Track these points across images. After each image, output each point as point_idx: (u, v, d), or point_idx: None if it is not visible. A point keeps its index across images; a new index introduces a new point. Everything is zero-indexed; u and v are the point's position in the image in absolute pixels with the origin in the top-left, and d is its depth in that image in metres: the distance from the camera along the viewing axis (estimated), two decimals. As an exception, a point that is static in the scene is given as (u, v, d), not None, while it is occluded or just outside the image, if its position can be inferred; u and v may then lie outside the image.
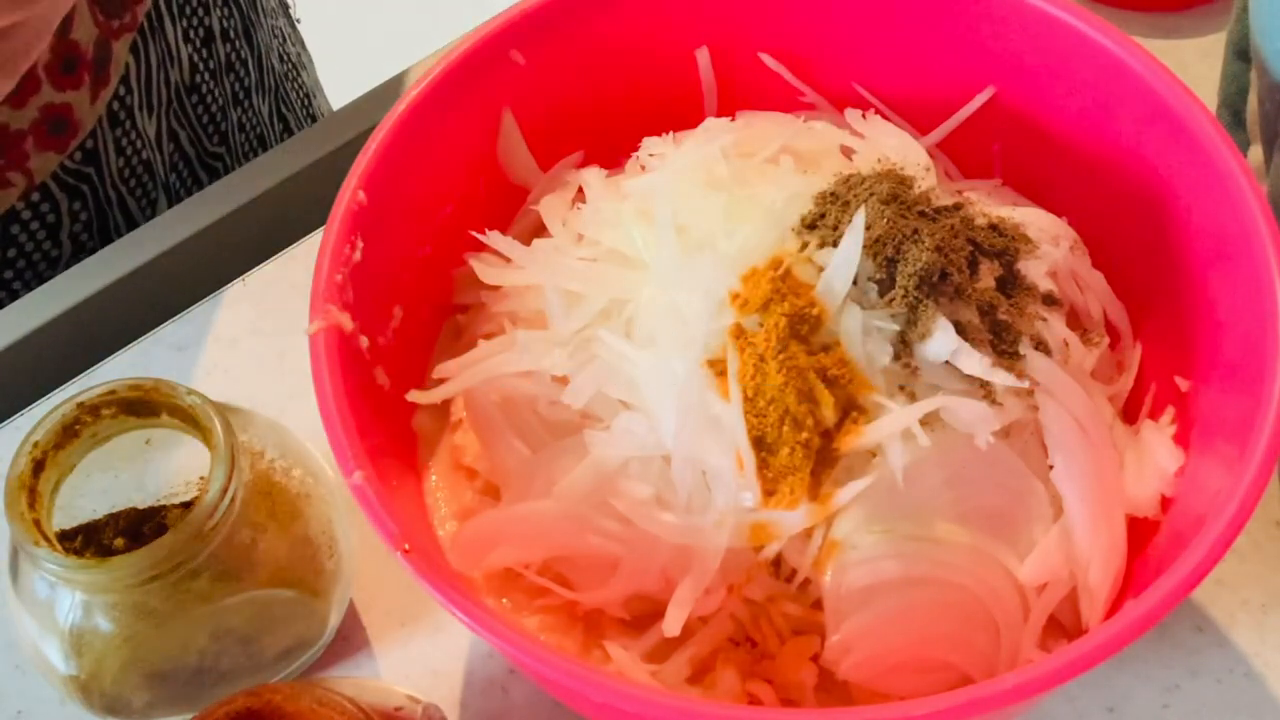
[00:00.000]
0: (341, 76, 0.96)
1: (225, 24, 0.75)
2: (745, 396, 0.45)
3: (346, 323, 0.47)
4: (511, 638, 0.41)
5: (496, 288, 0.53)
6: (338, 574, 0.52)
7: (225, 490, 0.45)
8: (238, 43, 0.76)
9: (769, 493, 0.45)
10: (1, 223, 0.66)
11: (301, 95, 0.86)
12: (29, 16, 0.56)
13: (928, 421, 0.45)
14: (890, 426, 0.45)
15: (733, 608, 0.48)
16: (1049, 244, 0.52)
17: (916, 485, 0.46)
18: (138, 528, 0.50)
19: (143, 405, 0.47)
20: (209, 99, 0.75)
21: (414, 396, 0.52)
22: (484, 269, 0.53)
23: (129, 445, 0.49)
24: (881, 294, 0.47)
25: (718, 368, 0.46)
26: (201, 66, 0.74)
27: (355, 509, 0.44)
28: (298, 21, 0.87)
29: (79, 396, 0.47)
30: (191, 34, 0.72)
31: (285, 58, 0.83)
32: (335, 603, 0.52)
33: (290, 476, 0.50)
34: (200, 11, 0.73)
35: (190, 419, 0.47)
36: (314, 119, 0.87)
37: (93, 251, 0.69)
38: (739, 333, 0.46)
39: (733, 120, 0.56)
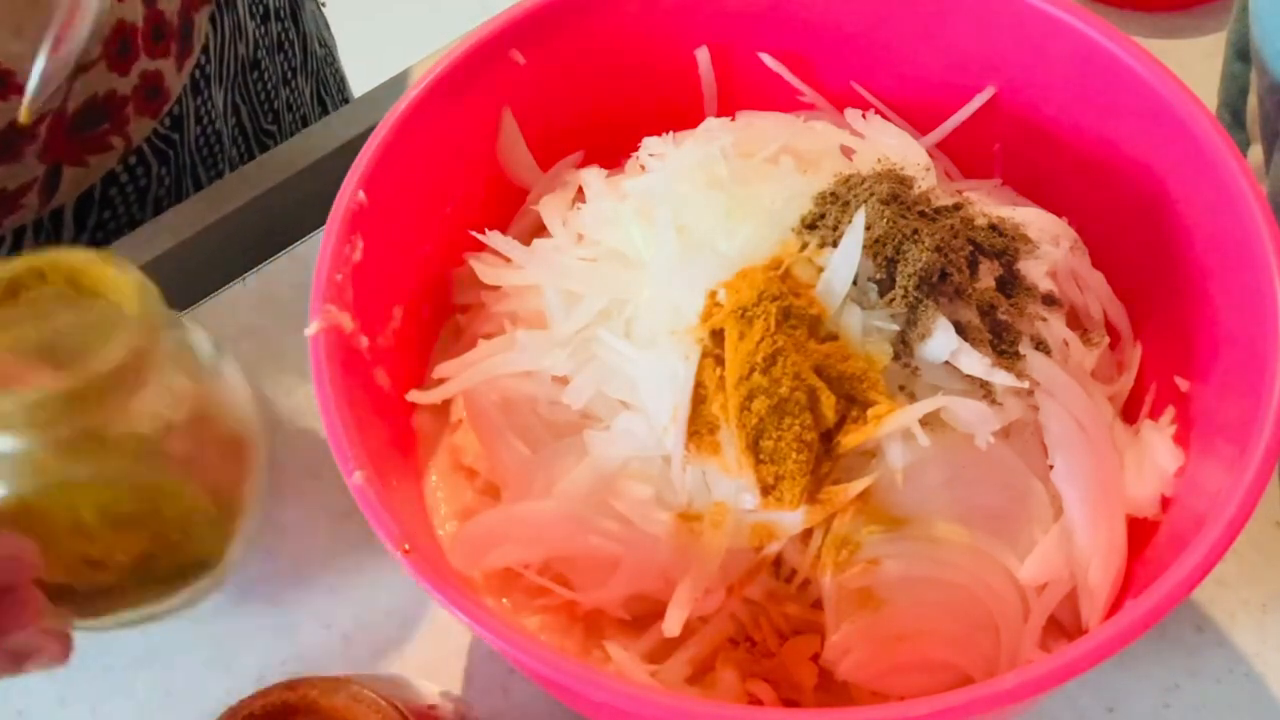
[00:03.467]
0: (341, 53, 0.97)
1: (277, 3, 0.77)
2: (744, 396, 0.45)
3: (346, 323, 0.47)
4: (511, 638, 0.41)
5: (496, 288, 0.53)
6: (245, 505, 0.51)
7: (137, 351, 0.45)
8: (287, 22, 0.79)
9: (768, 493, 0.45)
10: (102, 185, 0.68)
11: (338, 80, 0.88)
12: None
13: (928, 421, 0.45)
14: (890, 426, 0.45)
15: (733, 608, 0.47)
16: (1049, 244, 0.52)
17: (916, 485, 0.46)
18: None
19: (83, 276, 0.47)
20: (266, 75, 0.77)
21: (414, 396, 0.52)
22: (484, 269, 0.53)
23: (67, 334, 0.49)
24: (881, 294, 0.47)
25: (717, 368, 0.46)
26: (261, 42, 0.76)
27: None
28: (323, 5, 0.89)
29: (28, 260, 0.47)
30: (255, 9, 0.75)
31: (324, 42, 0.86)
32: (240, 533, 0.52)
33: (224, 391, 0.50)
34: None
35: (112, 285, 0.47)
36: (348, 103, 0.88)
37: None
38: (731, 328, 0.46)
39: (733, 120, 0.56)
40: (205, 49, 0.70)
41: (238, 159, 0.76)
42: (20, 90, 0.52)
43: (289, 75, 0.80)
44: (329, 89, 0.86)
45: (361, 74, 0.88)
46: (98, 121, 0.65)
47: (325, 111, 0.85)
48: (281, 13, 0.78)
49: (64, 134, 0.63)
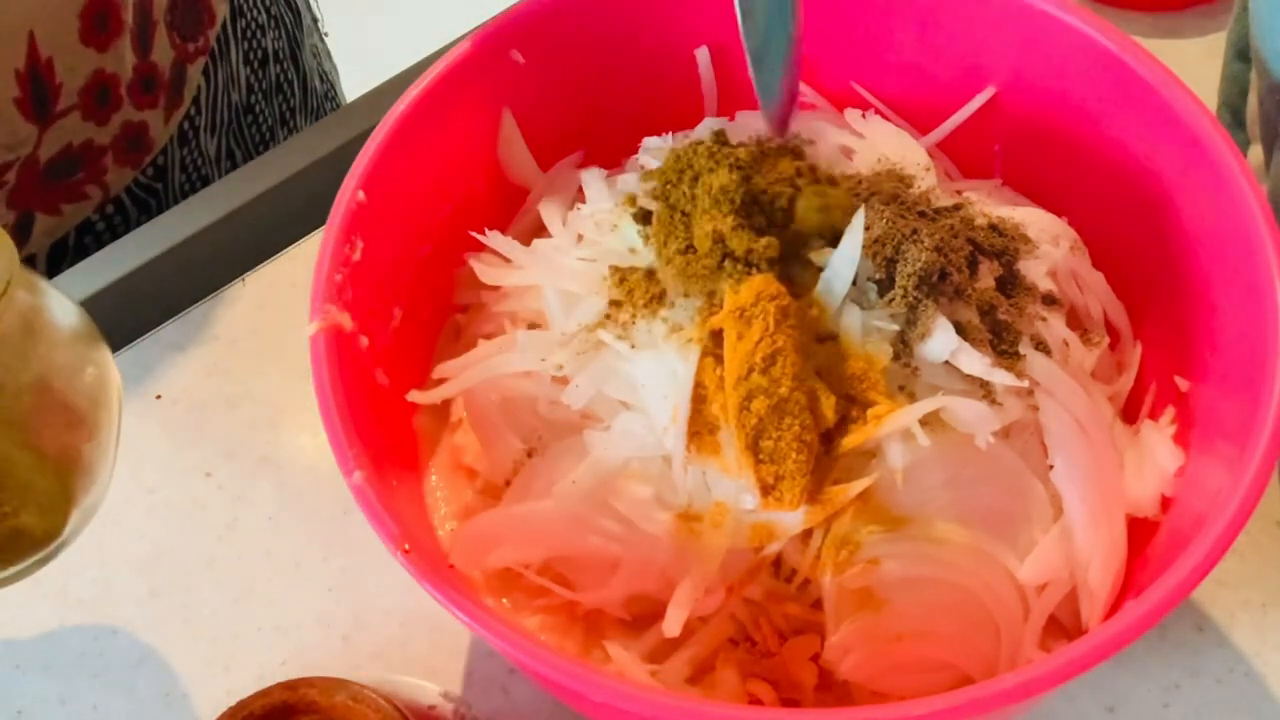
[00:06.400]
0: (340, 76, 0.97)
1: (276, 45, 0.77)
2: (744, 396, 0.45)
3: (346, 323, 0.47)
4: (511, 638, 0.41)
5: (496, 288, 0.53)
6: (87, 477, 0.48)
7: None
8: (286, 64, 0.79)
9: (768, 493, 0.45)
10: (77, 233, 0.67)
11: None
12: None
13: (928, 421, 0.45)
14: (890, 426, 0.45)
15: (733, 608, 0.47)
16: (1049, 244, 0.52)
17: (916, 485, 0.46)
18: None
19: None
20: (261, 119, 0.77)
21: (414, 396, 0.52)
22: (484, 269, 0.53)
23: None
24: (881, 294, 0.47)
25: (717, 368, 0.46)
26: (256, 87, 0.76)
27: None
28: (326, 36, 0.89)
29: None
30: (250, 56, 0.75)
31: (324, 77, 0.86)
32: (79, 507, 0.48)
33: (74, 357, 0.47)
34: (259, 34, 0.75)
35: None
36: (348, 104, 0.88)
37: None
38: (731, 328, 0.46)
39: (732, 120, 0.56)
40: (196, 100, 0.70)
41: None
42: None
43: (287, 115, 0.80)
44: None
45: (362, 76, 0.88)
46: (71, 170, 0.64)
47: None
48: (280, 54, 0.78)
49: (36, 181, 0.63)
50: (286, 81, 0.79)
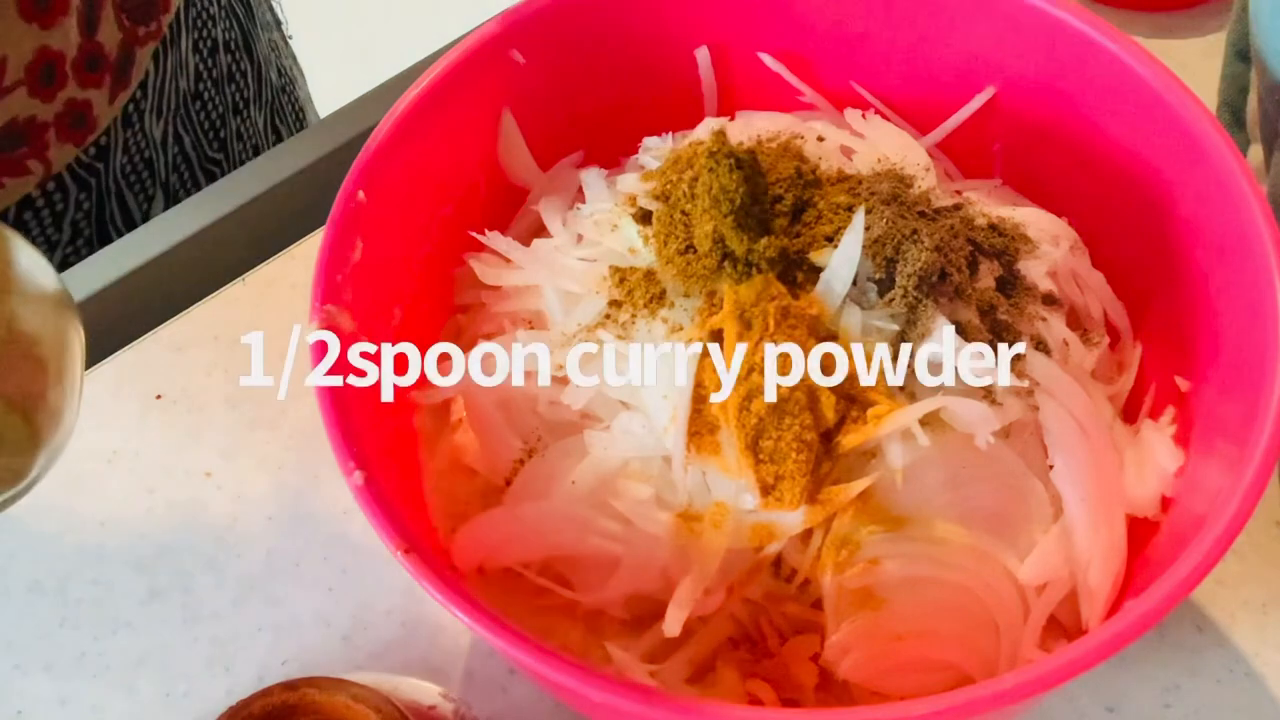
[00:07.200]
0: (340, 73, 0.96)
1: (228, 35, 0.77)
2: (744, 396, 0.45)
3: (346, 323, 0.47)
4: (511, 638, 0.41)
5: (496, 288, 0.53)
6: (53, 419, 0.48)
7: None
8: (238, 54, 0.78)
9: (768, 493, 0.45)
10: (17, 208, 0.67)
11: (295, 109, 0.88)
12: None
13: (928, 421, 0.45)
14: (890, 426, 0.45)
15: (733, 608, 0.47)
16: (1049, 244, 0.52)
17: (916, 485, 0.46)
18: None
19: None
20: (210, 107, 0.77)
21: (414, 396, 0.52)
22: (484, 269, 0.53)
23: None
24: (881, 294, 0.47)
25: (715, 367, 0.46)
26: (206, 75, 0.76)
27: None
28: (290, 38, 0.88)
29: None
30: (200, 44, 0.74)
31: (282, 72, 0.86)
32: (46, 446, 0.48)
33: (34, 302, 0.47)
34: (209, 24, 0.75)
35: None
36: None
37: (88, 238, 0.71)
38: (731, 328, 0.46)
39: (732, 120, 0.56)
40: (143, 84, 0.70)
41: (177, 184, 0.76)
42: None
43: (240, 105, 0.80)
44: (284, 117, 0.86)
45: (356, 79, 0.88)
46: (15, 145, 0.64)
47: (279, 140, 0.85)
48: (232, 45, 0.78)
49: None
50: (240, 72, 0.79)
